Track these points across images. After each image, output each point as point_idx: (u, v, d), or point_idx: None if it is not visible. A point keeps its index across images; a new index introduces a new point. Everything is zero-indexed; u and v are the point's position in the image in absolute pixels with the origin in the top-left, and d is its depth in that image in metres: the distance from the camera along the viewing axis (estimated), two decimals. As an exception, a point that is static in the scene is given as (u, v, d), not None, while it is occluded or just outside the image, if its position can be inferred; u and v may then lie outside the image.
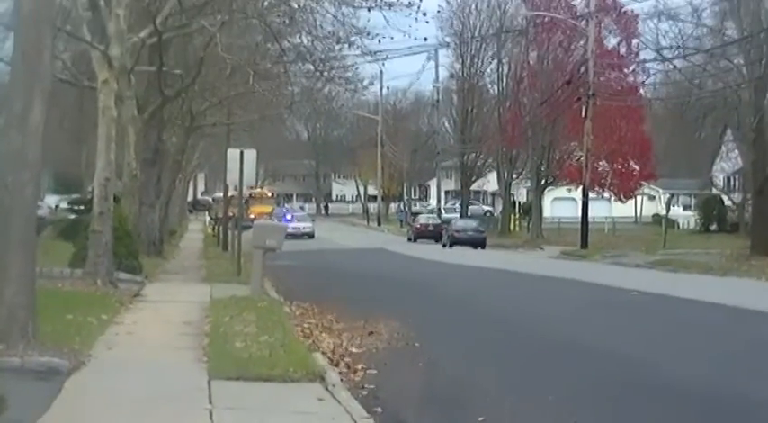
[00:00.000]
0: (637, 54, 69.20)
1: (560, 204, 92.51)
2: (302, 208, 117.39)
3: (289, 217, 79.91)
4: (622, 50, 71.42)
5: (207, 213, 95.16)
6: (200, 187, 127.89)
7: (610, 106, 63.37)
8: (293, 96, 42.65)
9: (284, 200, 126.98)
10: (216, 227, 61.25)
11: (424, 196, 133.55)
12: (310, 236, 75.81)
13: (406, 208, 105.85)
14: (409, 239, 76.94)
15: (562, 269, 40.91)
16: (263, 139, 67.21)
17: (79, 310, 16.89)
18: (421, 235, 75.64)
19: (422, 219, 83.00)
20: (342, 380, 12.98)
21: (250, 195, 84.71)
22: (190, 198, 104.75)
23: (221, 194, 53.86)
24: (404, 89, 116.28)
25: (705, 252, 47.96)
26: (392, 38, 32.82)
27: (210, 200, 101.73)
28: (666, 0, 52.12)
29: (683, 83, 59.33)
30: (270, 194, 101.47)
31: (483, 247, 64.56)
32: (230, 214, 44.64)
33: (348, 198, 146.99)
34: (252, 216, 66.45)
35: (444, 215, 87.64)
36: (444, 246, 66.77)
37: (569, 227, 70.03)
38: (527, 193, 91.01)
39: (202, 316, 18.57)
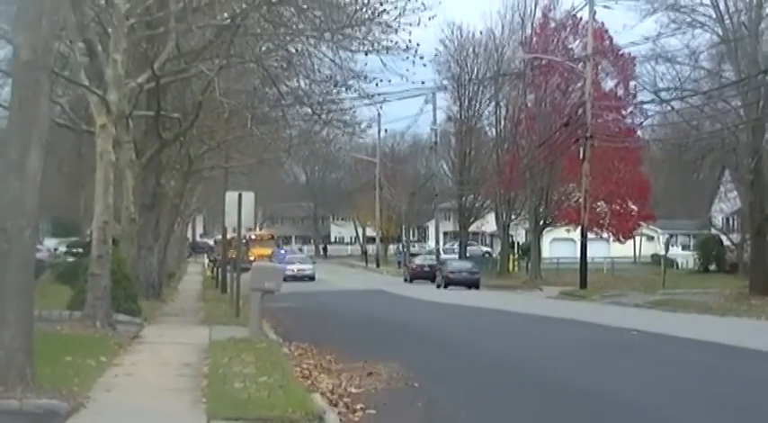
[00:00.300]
0: (634, 96, 69.24)
1: (559, 245, 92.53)
2: (301, 250, 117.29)
3: (287, 259, 79.92)
4: (620, 92, 71.55)
5: (206, 256, 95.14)
6: (199, 230, 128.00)
7: (608, 148, 63.51)
8: (291, 140, 42.78)
9: (283, 242, 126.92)
10: (215, 269, 61.26)
11: (423, 238, 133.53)
12: (311, 278, 75.69)
13: (405, 249, 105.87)
14: (405, 280, 77.42)
15: (561, 310, 40.86)
16: (261, 181, 67.41)
17: (78, 352, 16.87)
18: (417, 276, 76.24)
19: (417, 260, 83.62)
20: (341, 420, 12.98)
21: (251, 237, 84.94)
22: (189, 240, 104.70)
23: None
24: (402, 132, 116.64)
25: (704, 292, 47.96)
26: (390, 81, 32.95)
27: (212, 243, 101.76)
28: (663, 43, 51.82)
29: (680, 124, 59.28)
30: (270, 236, 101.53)
31: (477, 287, 64.47)
32: (231, 256, 44.61)
33: (347, 240, 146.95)
34: (252, 258, 66.45)
35: (443, 256, 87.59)
36: (439, 286, 66.71)
37: (568, 267, 70.04)
38: (526, 234, 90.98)
39: (201, 357, 18.55)
